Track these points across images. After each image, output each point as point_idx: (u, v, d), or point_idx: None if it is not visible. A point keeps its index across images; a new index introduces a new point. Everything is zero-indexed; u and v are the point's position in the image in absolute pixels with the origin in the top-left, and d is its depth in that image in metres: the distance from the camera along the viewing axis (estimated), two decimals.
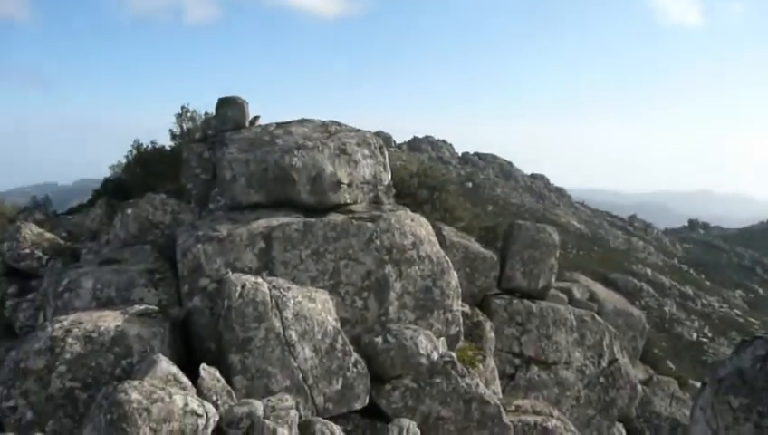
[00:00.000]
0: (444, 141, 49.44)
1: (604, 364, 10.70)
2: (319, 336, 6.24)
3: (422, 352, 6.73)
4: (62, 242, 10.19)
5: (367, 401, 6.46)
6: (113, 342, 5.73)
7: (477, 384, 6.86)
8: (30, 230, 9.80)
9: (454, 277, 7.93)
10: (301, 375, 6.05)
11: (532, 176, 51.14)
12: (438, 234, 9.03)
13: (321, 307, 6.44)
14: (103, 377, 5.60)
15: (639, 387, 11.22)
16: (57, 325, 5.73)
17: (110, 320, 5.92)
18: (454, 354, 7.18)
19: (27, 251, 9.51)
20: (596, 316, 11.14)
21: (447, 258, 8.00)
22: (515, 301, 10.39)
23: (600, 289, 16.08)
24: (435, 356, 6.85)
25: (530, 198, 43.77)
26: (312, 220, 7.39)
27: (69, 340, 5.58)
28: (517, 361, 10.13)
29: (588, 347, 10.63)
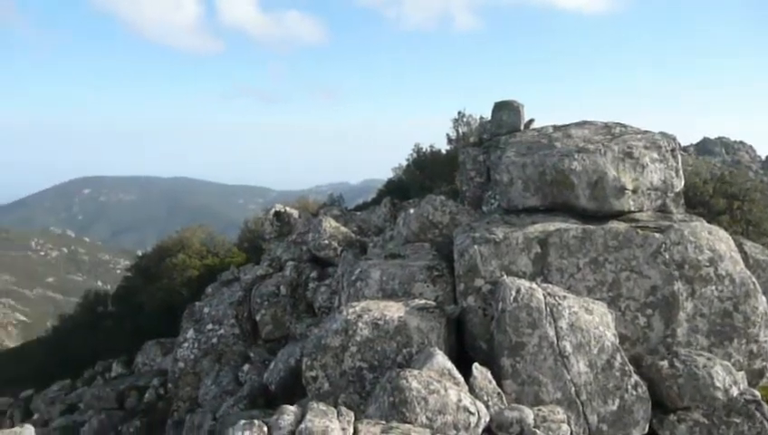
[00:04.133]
0: (742, 143, 42.85)
1: None
2: (595, 351, 5.88)
3: (718, 384, 5.88)
4: (353, 235, 11.46)
5: (647, 429, 5.88)
6: (396, 331, 6.19)
7: None
8: (329, 224, 11.23)
9: (762, 302, 6.77)
10: (573, 389, 5.78)
11: None
12: (739, 250, 7.81)
13: (598, 320, 6.07)
14: (386, 362, 6.09)
15: None
16: (351, 310, 6.41)
17: (394, 310, 6.41)
18: (758, 393, 6.12)
19: (326, 242, 10.92)
20: None
21: (754, 279, 6.86)
22: None
23: None
24: (734, 392, 5.93)
25: None
26: (592, 227, 7.01)
27: (360, 324, 6.20)
28: None
29: None
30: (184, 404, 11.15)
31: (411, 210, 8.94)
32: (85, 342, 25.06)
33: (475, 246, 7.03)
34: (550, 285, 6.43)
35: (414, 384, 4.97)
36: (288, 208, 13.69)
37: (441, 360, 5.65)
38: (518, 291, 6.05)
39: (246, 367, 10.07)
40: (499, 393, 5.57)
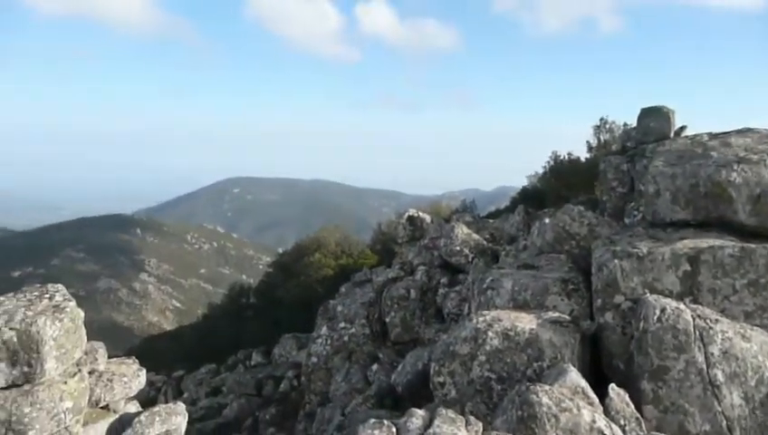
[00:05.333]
0: None
1: None
2: (752, 383, 5.32)
3: None
4: (485, 243, 11.34)
5: None
6: (527, 343, 6.03)
7: None
8: (461, 230, 11.20)
9: None
10: (725, 423, 5.27)
11: None
12: None
13: (757, 349, 5.49)
14: (516, 374, 5.95)
15: None
16: (480, 319, 6.34)
17: (526, 322, 6.25)
18: None
19: (458, 248, 10.90)
20: None
21: None
22: None
23: None
24: None
25: None
26: (752, 246, 6.35)
27: (489, 334, 6.11)
28: None
29: None
30: (315, 397, 11.69)
31: (547, 220, 8.67)
32: (229, 330, 27.18)
33: (616, 261, 6.66)
34: (700, 307, 5.92)
35: (545, 400, 4.81)
36: (421, 213, 13.85)
37: (575, 377, 5.42)
38: (663, 311, 5.64)
39: (375, 367, 10.33)
40: (638, 418, 5.23)
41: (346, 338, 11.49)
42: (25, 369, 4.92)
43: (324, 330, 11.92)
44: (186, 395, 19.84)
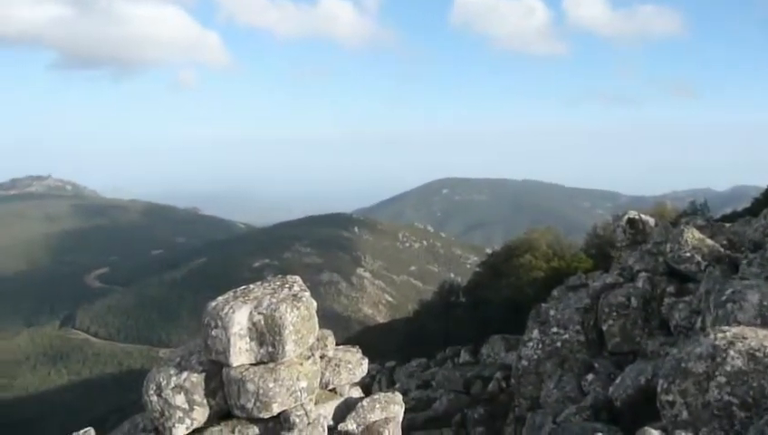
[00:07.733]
0: None
1: None
2: None
3: None
4: (721, 250, 10.07)
5: None
6: None
7: None
8: (692, 235, 10.10)
9: None
10: None
11: None
12: None
13: None
14: (764, 401, 5.19)
15: None
16: (719, 335, 5.65)
17: None
18: None
19: (688, 255, 9.85)
20: None
21: None
22: None
23: None
24: None
25: None
26: None
27: (731, 352, 5.42)
28: None
29: None
30: (525, 401, 11.45)
31: None
32: (438, 326, 27.94)
33: None
34: None
35: None
36: (643, 216, 12.75)
37: None
38: None
39: (590, 377, 9.78)
40: None
41: (559, 344, 11.05)
42: (270, 349, 5.60)
43: (535, 333, 11.61)
44: (398, 385, 20.85)
